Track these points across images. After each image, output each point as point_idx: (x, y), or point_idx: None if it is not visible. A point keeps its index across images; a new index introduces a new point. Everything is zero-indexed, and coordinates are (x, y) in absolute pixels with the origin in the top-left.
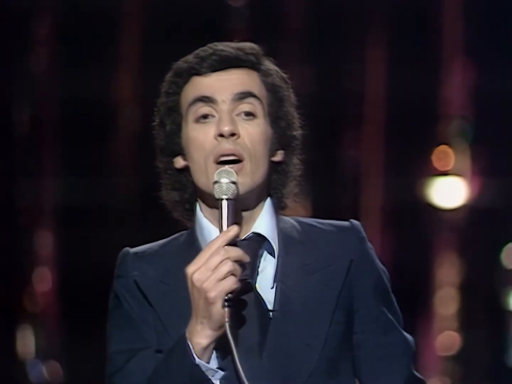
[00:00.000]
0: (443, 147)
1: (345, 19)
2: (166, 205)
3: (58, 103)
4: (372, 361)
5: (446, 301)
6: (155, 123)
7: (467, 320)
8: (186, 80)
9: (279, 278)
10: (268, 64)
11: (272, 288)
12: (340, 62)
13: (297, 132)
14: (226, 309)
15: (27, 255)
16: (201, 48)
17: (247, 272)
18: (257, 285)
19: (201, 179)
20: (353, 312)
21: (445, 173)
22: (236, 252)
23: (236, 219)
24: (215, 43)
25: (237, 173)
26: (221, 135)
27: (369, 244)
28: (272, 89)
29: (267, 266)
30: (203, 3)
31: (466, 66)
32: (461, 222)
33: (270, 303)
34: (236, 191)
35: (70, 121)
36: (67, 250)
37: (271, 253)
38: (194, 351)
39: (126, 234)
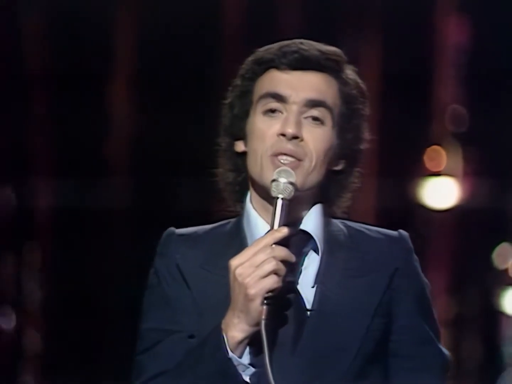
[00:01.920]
0: (435, 148)
1: (339, 16)
2: (218, 183)
3: (55, 104)
4: (404, 371)
5: (438, 301)
6: (225, 102)
7: (459, 321)
8: (263, 70)
9: (321, 278)
10: (349, 73)
11: (313, 287)
12: None
13: (363, 146)
14: (264, 307)
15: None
16: (286, 42)
17: (291, 273)
18: (298, 283)
19: (255, 169)
20: (391, 320)
21: (437, 174)
22: (283, 252)
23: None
24: (302, 40)
25: (292, 170)
26: (284, 135)
27: (415, 256)
28: (347, 100)
29: (311, 264)
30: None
31: (459, 67)
32: (453, 223)
33: (309, 302)
34: (292, 192)
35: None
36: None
37: (316, 252)
38: (228, 344)
39: (121, 235)
